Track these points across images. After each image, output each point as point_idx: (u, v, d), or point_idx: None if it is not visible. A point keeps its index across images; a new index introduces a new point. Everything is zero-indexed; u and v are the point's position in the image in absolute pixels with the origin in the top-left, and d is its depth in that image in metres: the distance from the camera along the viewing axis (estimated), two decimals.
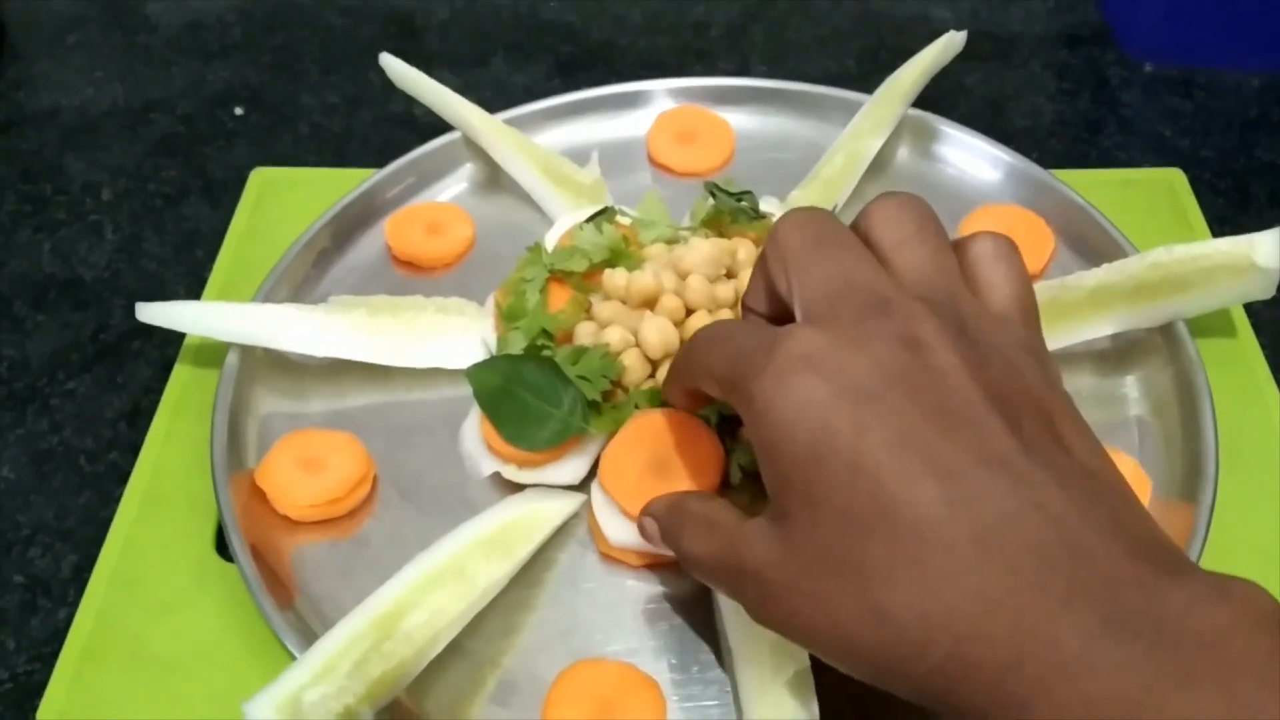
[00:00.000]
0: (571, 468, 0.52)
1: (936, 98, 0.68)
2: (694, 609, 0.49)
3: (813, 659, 0.43)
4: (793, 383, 0.34)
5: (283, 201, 0.68)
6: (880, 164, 0.66)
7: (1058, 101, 0.76)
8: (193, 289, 0.65)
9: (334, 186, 0.66)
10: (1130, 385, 0.57)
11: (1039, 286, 0.56)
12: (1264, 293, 0.54)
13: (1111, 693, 0.29)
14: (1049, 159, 0.65)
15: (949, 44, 0.68)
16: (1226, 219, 0.66)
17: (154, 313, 0.56)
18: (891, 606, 0.31)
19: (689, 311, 0.54)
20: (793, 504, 0.34)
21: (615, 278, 0.55)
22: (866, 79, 0.68)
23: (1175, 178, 0.67)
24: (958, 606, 0.31)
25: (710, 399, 0.46)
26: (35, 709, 0.47)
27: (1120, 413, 0.56)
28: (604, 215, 0.60)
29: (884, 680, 0.33)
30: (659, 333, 0.52)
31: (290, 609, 0.48)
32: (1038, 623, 0.30)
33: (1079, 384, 0.57)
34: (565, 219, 0.62)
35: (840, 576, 0.32)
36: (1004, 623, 0.30)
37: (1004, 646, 0.30)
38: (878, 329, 0.35)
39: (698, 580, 0.42)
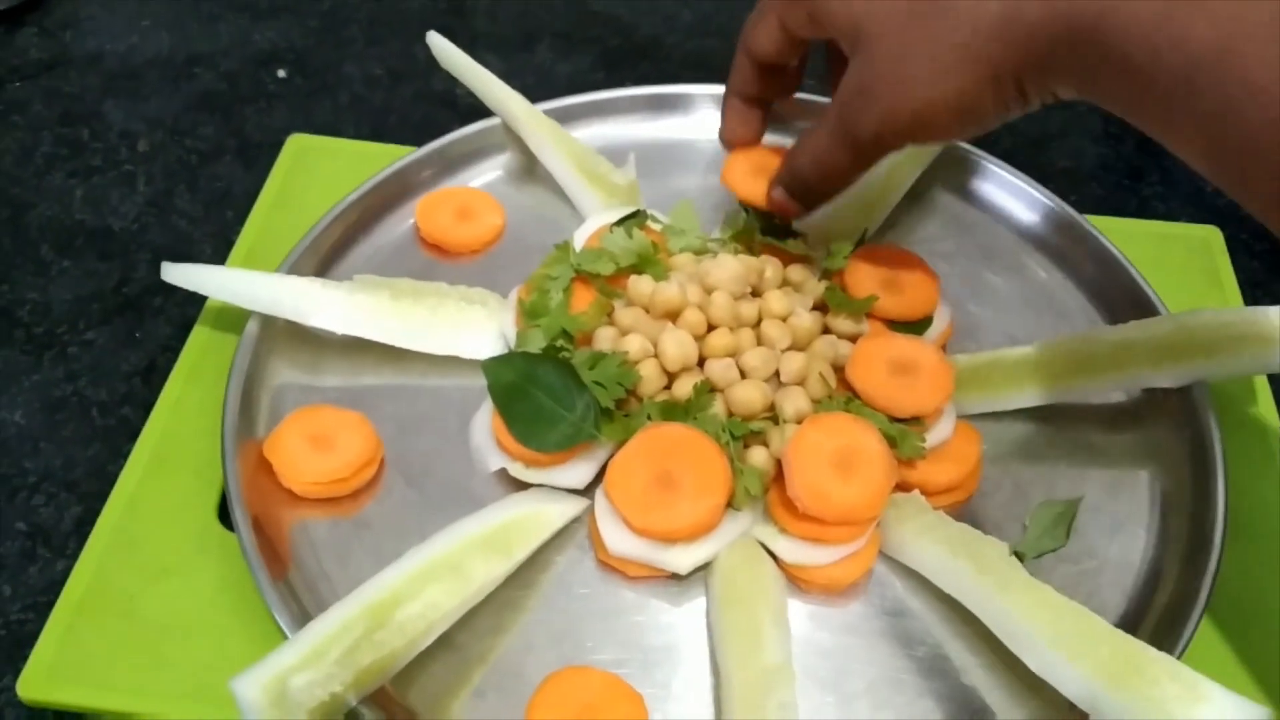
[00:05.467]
0: (578, 472, 0.52)
1: None
2: (688, 628, 0.49)
3: None
4: None
5: (317, 170, 0.68)
6: (916, 193, 0.66)
7: (1101, 145, 0.75)
8: (220, 249, 0.66)
9: (369, 161, 0.66)
10: (1144, 442, 0.56)
11: (1063, 338, 0.56)
12: None
13: None
14: (1087, 203, 0.65)
15: None
16: (1259, 283, 0.66)
17: (179, 274, 0.56)
18: None
19: (711, 327, 0.54)
20: (863, 31, 0.46)
21: (640, 285, 0.55)
22: None
23: (1212, 235, 0.66)
24: None
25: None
26: (25, 659, 0.47)
27: (1132, 468, 0.55)
28: (635, 219, 0.59)
29: (1012, 58, 0.43)
30: (679, 346, 0.52)
31: (284, 583, 0.49)
32: None
33: (1093, 437, 0.56)
34: (596, 218, 0.62)
35: (917, 15, 0.44)
36: None
37: None
38: None
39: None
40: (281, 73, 0.78)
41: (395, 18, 0.83)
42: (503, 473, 0.53)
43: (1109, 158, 0.75)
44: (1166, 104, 0.40)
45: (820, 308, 0.57)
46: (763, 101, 0.58)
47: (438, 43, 0.68)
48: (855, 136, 0.48)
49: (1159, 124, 0.41)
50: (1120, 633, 0.45)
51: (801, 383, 0.53)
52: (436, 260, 0.63)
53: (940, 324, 0.58)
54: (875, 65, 0.46)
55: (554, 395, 0.51)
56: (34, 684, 0.47)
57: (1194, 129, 0.39)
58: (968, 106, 0.45)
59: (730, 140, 0.59)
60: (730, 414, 0.52)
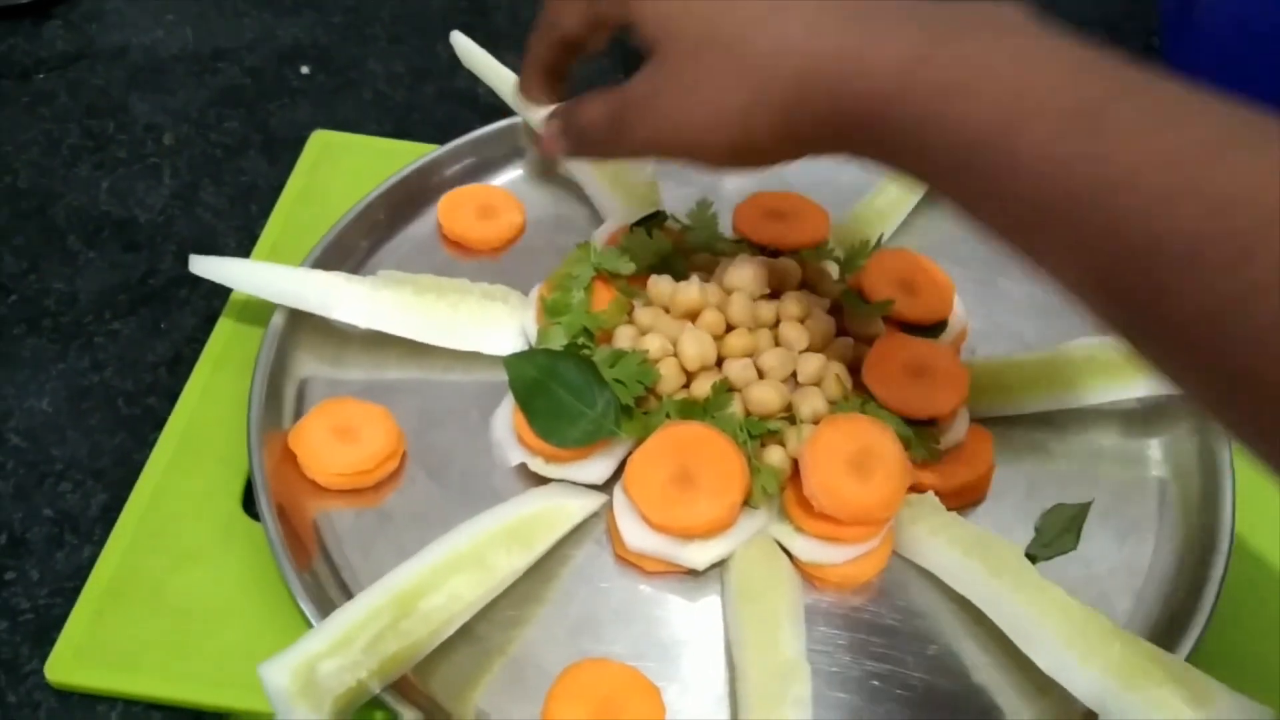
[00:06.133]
0: (597, 468, 0.53)
1: None
2: (704, 623, 0.50)
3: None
4: None
5: (340, 166, 0.69)
6: (931, 197, 0.66)
7: None
8: (244, 243, 0.66)
9: (392, 158, 0.67)
10: (1155, 447, 0.57)
11: (1075, 343, 0.57)
12: None
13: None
14: None
15: None
16: None
17: (206, 266, 0.57)
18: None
19: (729, 327, 0.55)
20: (664, 41, 0.45)
21: (660, 285, 0.56)
22: None
23: None
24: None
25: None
26: (53, 642, 0.48)
27: (1142, 473, 0.56)
28: (655, 220, 0.60)
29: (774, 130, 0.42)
30: (698, 345, 0.53)
31: (309, 572, 0.49)
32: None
33: (1104, 441, 0.57)
34: (616, 218, 0.63)
35: (715, 48, 0.43)
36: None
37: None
38: None
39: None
40: (305, 69, 0.79)
41: (418, 16, 0.84)
42: (523, 467, 0.54)
43: None
44: (955, 183, 0.39)
45: (836, 310, 0.57)
46: (560, 71, 0.57)
47: (461, 42, 0.68)
48: (626, 135, 0.47)
49: (955, 202, 0.40)
50: (1129, 634, 0.46)
51: (818, 384, 0.54)
52: (458, 257, 0.64)
53: (954, 328, 0.59)
54: (665, 80, 0.45)
55: (575, 392, 0.52)
56: (61, 667, 0.48)
57: (985, 206, 0.38)
58: (749, 148, 0.44)
59: (533, 99, 0.58)
60: (748, 413, 0.53)
